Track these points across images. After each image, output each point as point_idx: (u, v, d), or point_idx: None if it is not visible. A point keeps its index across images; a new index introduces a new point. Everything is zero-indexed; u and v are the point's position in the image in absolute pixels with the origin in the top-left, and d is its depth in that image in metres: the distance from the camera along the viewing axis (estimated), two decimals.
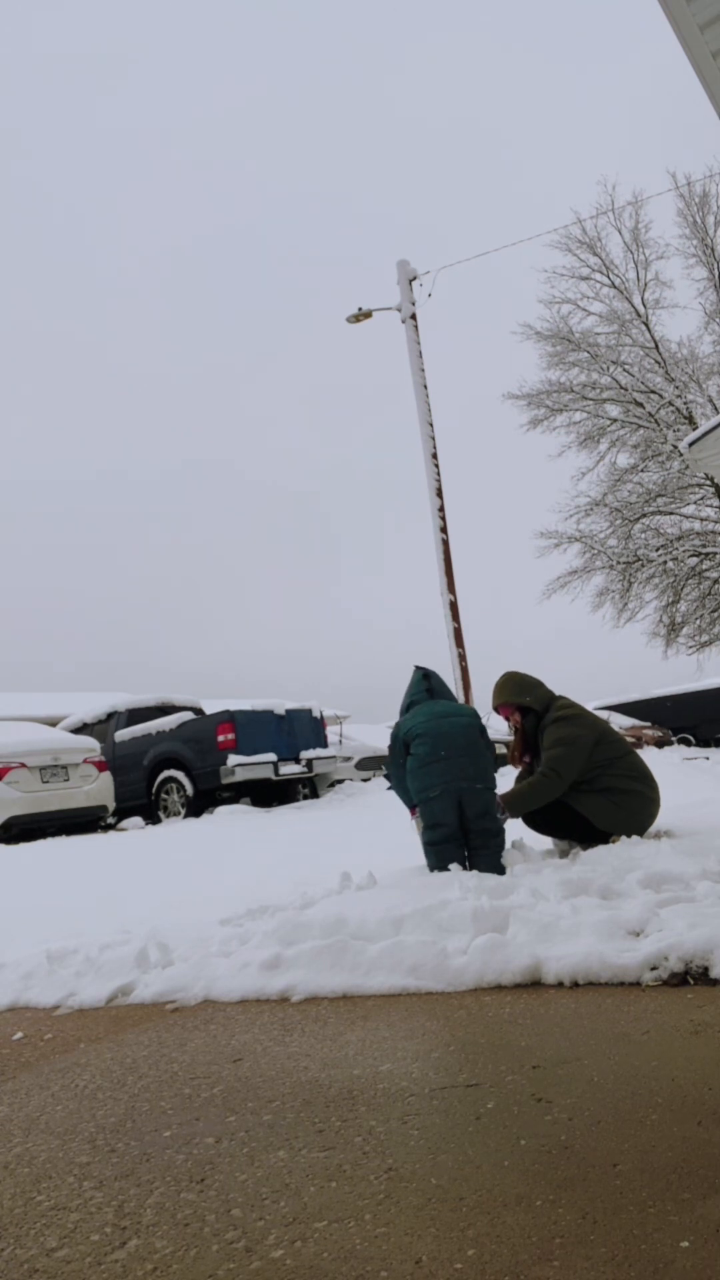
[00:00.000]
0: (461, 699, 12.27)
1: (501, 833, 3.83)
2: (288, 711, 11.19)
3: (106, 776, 10.28)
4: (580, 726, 4.07)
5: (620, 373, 21.68)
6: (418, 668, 4.40)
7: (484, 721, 4.18)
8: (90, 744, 10.33)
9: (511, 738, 4.49)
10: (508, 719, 4.39)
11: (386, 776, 4.14)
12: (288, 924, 2.94)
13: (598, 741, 4.06)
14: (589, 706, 4.36)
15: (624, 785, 4.02)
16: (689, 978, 2.24)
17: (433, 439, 13.34)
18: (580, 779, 4.01)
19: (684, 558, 21.38)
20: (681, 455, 17.29)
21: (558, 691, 4.42)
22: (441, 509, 13.05)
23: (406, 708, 4.21)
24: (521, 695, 4.29)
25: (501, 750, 17.01)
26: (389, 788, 4.16)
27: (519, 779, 4.45)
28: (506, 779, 4.66)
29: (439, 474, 13.19)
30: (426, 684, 4.23)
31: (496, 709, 4.40)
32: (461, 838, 3.80)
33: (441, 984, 2.45)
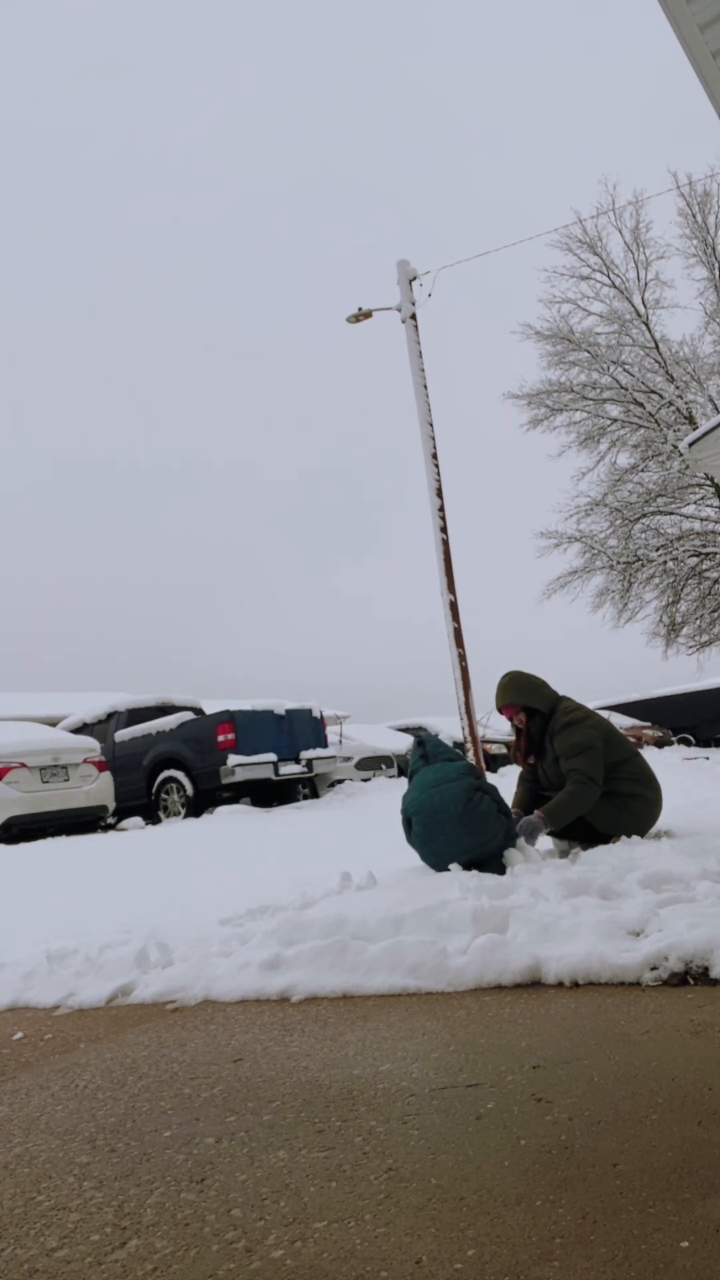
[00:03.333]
0: (461, 699, 12.27)
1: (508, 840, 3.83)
2: (288, 711, 11.19)
3: (106, 776, 10.27)
4: (590, 729, 4.07)
5: (620, 373, 21.68)
6: (414, 736, 4.51)
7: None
8: (90, 744, 10.32)
9: (514, 738, 4.49)
10: (511, 719, 4.38)
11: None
12: (288, 924, 2.94)
13: (605, 744, 4.06)
14: (590, 706, 4.37)
15: (628, 789, 4.02)
16: (689, 978, 2.24)
17: (433, 439, 13.34)
18: None
19: (684, 558, 21.38)
20: (681, 455, 17.28)
21: (560, 692, 4.41)
22: (441, 509, 13.05)
23: (410, 778, 4.26)
24: (527, 697, 4.27)
25: (502, 750, 16.87)
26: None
27: (521, 779, 4.45)
28: (509, 778, 4.67)
29: (439, 474, 13.19)
30: (421, 750, 4.26)
31: (501, 709, 4.39)
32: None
33: (441, 984, 2.45)
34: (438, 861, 3.76)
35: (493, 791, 3.95)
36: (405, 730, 17.67)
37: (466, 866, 3.68)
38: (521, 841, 3.89)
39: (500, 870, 3.62)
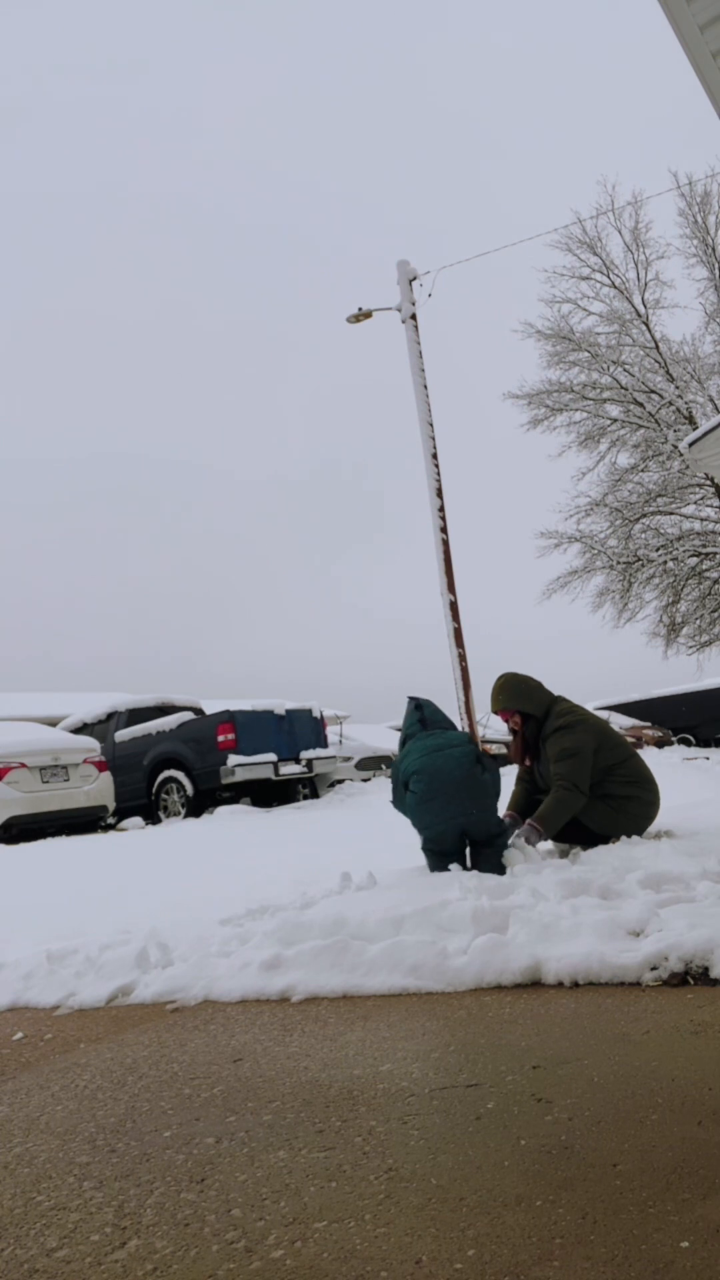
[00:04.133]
0: (461, 699, 12.27)
1: (505, 833, 3.83)
2: (288, 711, 11.18)
3: (106, 776, 10.27)
4: (581, 734, 4.05)
5: (620, 372, 21.66)
6: (410, 699, 4.37)
7: (482, 729, 4.14)
8: (90, 744, 10.32)
9: (511, 739, 4.50)
10: (507, 720, 4.40)
11: (393, 803, 4.13)
12: (288, 924, 2.94)
13: (598, 748, 4.05)
14: (589, 707, 4.40)
15: (623, 791, 4.02)
16: (689, 978, 2.24)
17: (433, 439, 13.34)
18: None
19: (684, 558, 21.37)
20: (682, 455, 17.29)
21: (557, 692, 4.42)
22: (441, 509, 13.05)
23: (403, 742, 4.21)
24: (520, 701, 4.27)
25: (501, 750, 17.04)
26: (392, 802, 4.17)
27: (519, 779, 4.46)
28: (509, 778, 4.66)
29: (439, 474, 13.20)
30: (419, 715, 4.21)
31: (495, 712, 4.40)
32: (462, 850, 3.83)
33: (441, 984, 2.45)
34: (433, 821, 3.75)
35: (491, 766, 3.96)
36: None
37: (461, 840, 3.69)
38: (521, 841, 3.90)
39: (500, 870, 3.62)
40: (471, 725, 12.04)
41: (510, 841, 3.83)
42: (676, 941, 2.32)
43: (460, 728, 11.83)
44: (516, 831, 3.94)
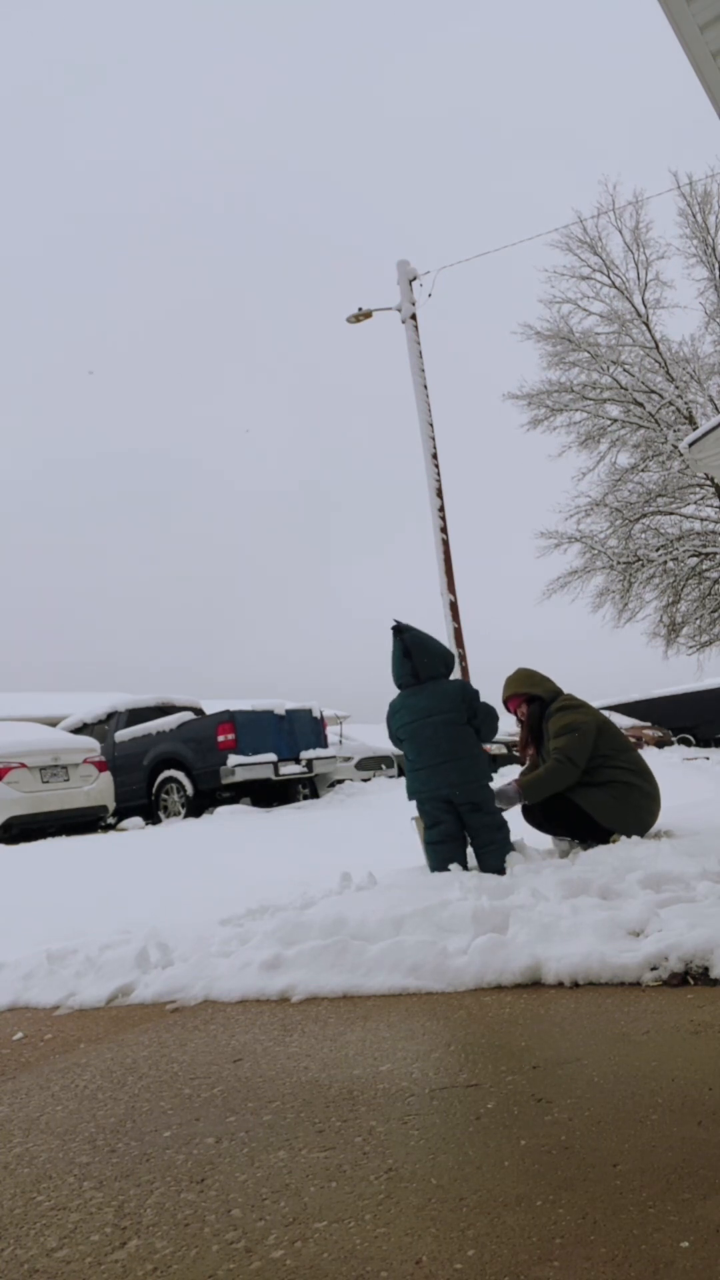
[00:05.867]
0: None
1: (504, 826, 3.84)
2: (288, 711, 11.18)
3: (106, 776, 10.27)
4: (583, 714, 4.18)
5: (620, 373, 21.67)
6: (396, 638, 4.03)
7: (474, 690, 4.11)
8: (90, 744, 10.32)
9: (517, 735, 4.58)
10: (514, 711, 4.47)
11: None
12: (288, 924, 2.94)
13: (599, 732, 4.12)
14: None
15: (625, 778, 4.05)
16: (689, 978, 2.24)
17: (433, 439, 13.35)
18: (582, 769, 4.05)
19: (684, 558, 21.37)
20: (682, 455, 17.29)
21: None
22: (441, 509, 13.06)
23: (396, 682, 4.12)
24: (529, 686, 4.42)
25: (501, 750, 17.01)
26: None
27: (524, 774, 4.48)
28: (509, 778, 4.68)
29: (439, 474, 13.20)
30: (410, 664, 3.99)
31: (505, 701, 4.49)
32: (461, 835, 3.83)
33: (441, 984, 2.45)
34: (420, 788, 3.87)
35: (485, 712, 4.01)
36: None
37: (449, 805, 3.79)
38: (521, 842, 3.92)
39: (501, 870, 3.62)
40: None
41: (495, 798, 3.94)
42: (676, 941, 2.32)
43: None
44: (499, 788, 4.02)
